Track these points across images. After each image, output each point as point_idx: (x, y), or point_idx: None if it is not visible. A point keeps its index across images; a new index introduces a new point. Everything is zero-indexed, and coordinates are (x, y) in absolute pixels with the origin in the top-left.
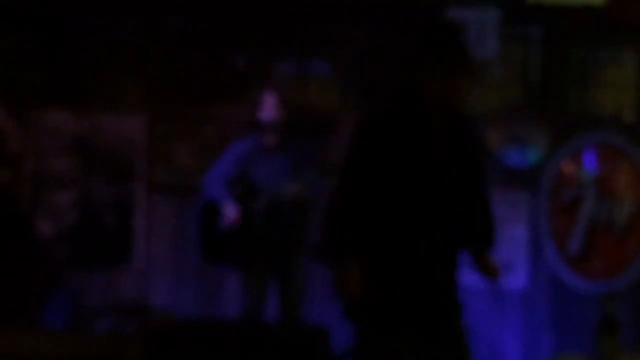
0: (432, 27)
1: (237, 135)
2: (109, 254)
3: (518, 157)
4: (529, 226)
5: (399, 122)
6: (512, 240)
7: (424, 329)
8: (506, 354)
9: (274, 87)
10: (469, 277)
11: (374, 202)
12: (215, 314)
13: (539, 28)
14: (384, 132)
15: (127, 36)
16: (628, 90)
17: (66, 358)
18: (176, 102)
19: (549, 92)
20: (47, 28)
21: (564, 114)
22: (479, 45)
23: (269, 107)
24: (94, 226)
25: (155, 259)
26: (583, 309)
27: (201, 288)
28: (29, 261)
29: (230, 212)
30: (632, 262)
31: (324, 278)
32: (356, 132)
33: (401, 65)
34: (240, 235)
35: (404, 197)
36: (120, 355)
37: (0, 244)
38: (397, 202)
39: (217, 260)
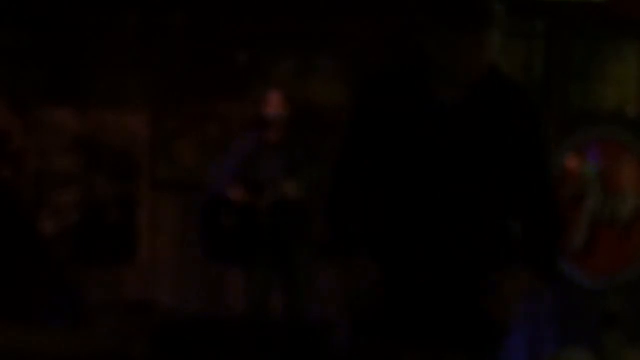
0: None
1: (241, 132)
2: (113, 251)
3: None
4: None
5: (399, 96)
6: None
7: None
8: (510, 348)
9: (278, 84)
10: None
11: (371, 191)
12: (219, 311)
13: (542, 23)
14: (382, 104)
15: (130, 33)
16: (631, 85)
17: (70, 356)
18: (179, 99)
19: (551, 87)
20: (50, 25)
21: (566, 109)
22: None
23: (273, 104)
24: (97, 224)
25: (159, 256)
26: (586, 304)
27: (205, 285)
28: (32, 259)
29: (234, 193)
30: (636, 257)
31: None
32: (356, 101)
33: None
34: (244, 232)
35: (403, 184)
36: (124, 353)
37: (3, 242)
38: (395, 192)
39: (220, 258)
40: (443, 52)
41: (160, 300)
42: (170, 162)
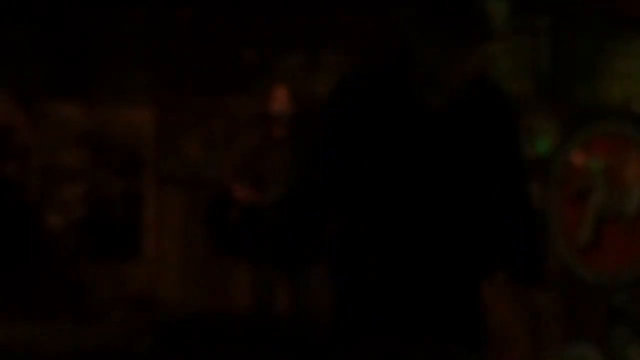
0: None
1: (246, 127)
2: (118, 246)
3: (527, 148)
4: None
5: (379, 97)
6: None
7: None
8: (515, 344)
9: (284, 79)
10: None
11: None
12: (225, 307)
13: (548, 19)
14: (360, 105)
15: (136, 28)
16: (637, 80)
17: (74, 352)
18: (185, 94)
19: (557, 83)
20: (56, 21)
21: (573, 105)
22: None
23: (279, 101)
24: (103, 219)
25: (164, 251)
26: (592, 300)
27: (211, 281)
28: (38, 254)
29: (240, 191)
30: None
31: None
32: (329, 100)
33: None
34: (249, 228)
35: (377, 188)
36: (129, 348)
37: (8, 237)
38: (370, 194)
39: (227, 253)
40: (434, 57)
41: (165, 296)
42: (176, 157)
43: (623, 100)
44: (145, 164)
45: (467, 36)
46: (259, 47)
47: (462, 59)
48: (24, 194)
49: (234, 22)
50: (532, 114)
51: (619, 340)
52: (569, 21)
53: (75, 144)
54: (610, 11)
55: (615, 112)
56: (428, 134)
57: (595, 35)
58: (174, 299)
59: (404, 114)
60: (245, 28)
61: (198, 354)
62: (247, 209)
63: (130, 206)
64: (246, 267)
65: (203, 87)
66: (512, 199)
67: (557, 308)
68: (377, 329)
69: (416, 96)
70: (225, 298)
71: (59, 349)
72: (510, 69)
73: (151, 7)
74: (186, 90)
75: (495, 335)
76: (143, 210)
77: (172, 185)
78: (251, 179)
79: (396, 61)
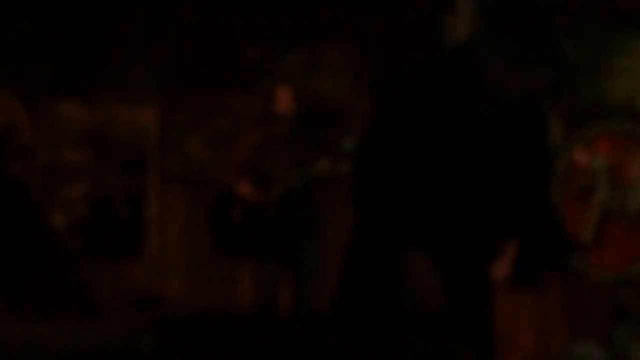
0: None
1: (249, 126)
2: (122, 245)
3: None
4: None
5: (426, 95)
6: None
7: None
8: (519, 342)
9: (287, 79)
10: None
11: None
12: (228, 305)
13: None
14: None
15: (137, 28)
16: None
17: (78, 350)
18: (188, 92)
19: (560, 81)
20: (57, 20)
21: (575, 102)
22: None
23: (281, 101)
24: (106, 217)
25: (168, 250)
26: (596, 298)
27: (213, 279)
28: (41, 253)
29: (242, 188)
30: None
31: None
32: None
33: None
34: (252, 226)
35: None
36: (132, 346)
37: (12, 236)
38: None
39: (230, 251)
40: (501, 72)
41: (168, 294)
42: (178, 155)
43: (626, 98)
44: (148, 163)
45: (537, 62)
46: (261, 47)
47: (526, 79)
48: (27, 193)
49: (236, 22)
50: None
51: (622, 338)
52: (572, 18)
53: (78, 143)
54: (612, 9)
55: (617, 111)
56: (476, 137)
57: (597, 33)
58: (177, 297)
59: (457, 113)
60: (247, 27)
61: (201, 352)
62: (250, 208)
63: (133, 205)
64: (249, 266)
65: (206, 86)
66: (538, 197)
67: (562, 305)
68: (378, 328)
69: (473, 100)
70: (228, 297)
71: (61, 348)
72: None
73: (151, 7)
74: (189, 90)
75: (500, 334)
76: (146, 208)
77: (175, 184)
78: (254, 177)
79: (464, 63)
